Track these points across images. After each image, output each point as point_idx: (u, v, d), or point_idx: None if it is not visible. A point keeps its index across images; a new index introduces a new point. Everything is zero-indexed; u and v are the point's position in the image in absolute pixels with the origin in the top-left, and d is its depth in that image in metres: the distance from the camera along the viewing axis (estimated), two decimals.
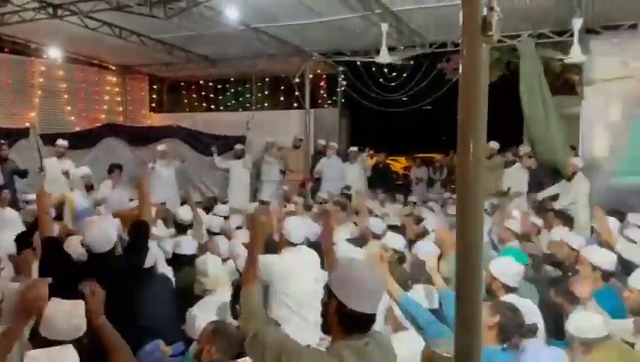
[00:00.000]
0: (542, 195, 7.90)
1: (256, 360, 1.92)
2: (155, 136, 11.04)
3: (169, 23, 7.75)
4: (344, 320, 1.86)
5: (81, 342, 2.31)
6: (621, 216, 6.13)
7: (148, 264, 3.56)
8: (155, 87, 14.42)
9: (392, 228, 5.59)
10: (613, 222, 5.52)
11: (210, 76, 13.82)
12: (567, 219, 6.28)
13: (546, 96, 8.49)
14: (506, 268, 3.42)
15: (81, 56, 11.89)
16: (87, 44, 10.42)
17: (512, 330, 2.70)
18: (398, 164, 17.60)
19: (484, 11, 1.36)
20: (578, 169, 7.46)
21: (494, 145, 9.17)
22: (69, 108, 12.02)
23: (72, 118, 12.07)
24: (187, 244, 4.43)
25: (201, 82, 14.47)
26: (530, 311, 3.10)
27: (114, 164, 8.92)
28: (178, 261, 4.24)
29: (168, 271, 4.17)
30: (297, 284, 3.73)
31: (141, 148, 10.99)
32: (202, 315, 2.71)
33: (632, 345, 3.07)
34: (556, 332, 3.45)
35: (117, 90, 13.12)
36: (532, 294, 3.70)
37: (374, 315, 1.90)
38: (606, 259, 3.87)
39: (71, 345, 2.20)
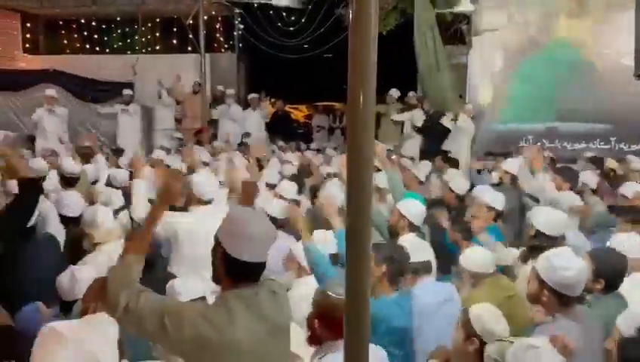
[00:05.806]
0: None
1: (133, 332, 1.77)
2: (29, 81, 10.08)
3: None
4: (230, 269, 1.83)
5: None
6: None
7: (30, 223, 3.30)
8: (28, 25, 12.89)
9: (290, 177, 5.57)
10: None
11: (94, 15, 12.60)
12: (453, 162, 6.71)
13: (438, 47, 8.82)
14: (412, 207, 3.67)
15: None
16: None
17: (402, 272, 2.85)
18: (300, 112, 17.49)
19: None
20: (467, 116, 7.91)
21: (395, 92, 9.40)
22: None
23: None
24: (72, 203, 3.96)
25: (83, 21, 13.16)
26: (425, 250, 3.30)
27: None
28: (65, 219, 3.88)
29: (60, 229, 3.83)
30: (205, 245, 3.58)
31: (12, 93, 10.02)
32: (83, 273, 2.53)
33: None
34: (444, 270, 3.72)
35: None
36: (425, 236, 3.95)
37: (263, 264, 1.87)
38: (499, 200, 4.19)
39: None
